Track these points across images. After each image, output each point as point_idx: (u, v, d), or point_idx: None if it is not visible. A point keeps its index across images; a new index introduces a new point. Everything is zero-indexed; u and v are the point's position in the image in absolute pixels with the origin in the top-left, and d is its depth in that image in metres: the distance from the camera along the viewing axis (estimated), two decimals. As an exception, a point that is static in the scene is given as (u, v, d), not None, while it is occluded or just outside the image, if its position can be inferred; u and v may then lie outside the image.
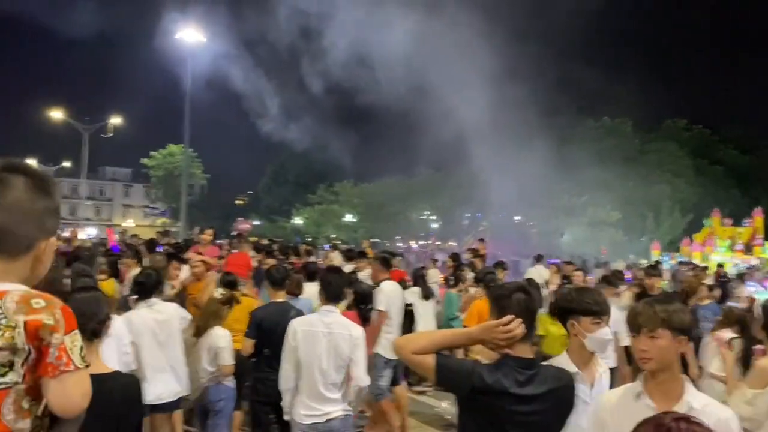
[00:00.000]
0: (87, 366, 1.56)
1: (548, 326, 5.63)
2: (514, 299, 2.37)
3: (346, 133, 49.76)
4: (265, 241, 15.46)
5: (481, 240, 15.49)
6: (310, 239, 43.09)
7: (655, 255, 26.98)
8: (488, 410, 2.27)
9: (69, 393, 1.52)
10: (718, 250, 25.18)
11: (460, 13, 26.40)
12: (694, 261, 23.49)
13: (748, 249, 24.78)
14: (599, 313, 2.82)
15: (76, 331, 1.55)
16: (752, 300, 7.92)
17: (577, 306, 2.86)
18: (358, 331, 4.19)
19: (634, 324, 2.30)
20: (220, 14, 31.49)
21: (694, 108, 44.69)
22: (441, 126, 29.44)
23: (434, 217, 51.25)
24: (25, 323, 1.47)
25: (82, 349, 1.55)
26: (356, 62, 28.49)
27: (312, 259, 11.35)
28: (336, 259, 11.48)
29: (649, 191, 36.58)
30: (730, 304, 5.67)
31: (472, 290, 7.74)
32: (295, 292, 6.07)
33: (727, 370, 4.13)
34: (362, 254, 10.27)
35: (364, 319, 5.70)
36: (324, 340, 4.05)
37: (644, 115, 42.99)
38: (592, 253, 31.15)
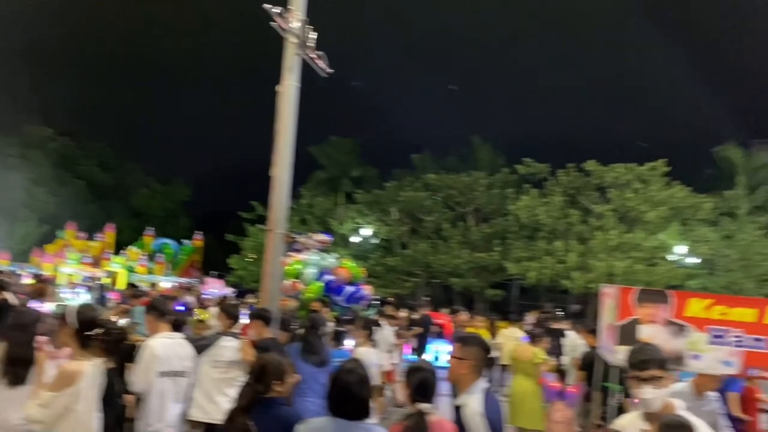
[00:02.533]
0: None
1: None
2: None
3: None
4: None
5: None
6: None
7: (4, 264, 25.77)
8: None
9: None
10: (69, 262, 25.98)
11: None
12: (43, 272, 23.61)
13: (96, 262, 26.39)
14: None
15: None
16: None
17: None
18: None
19: None
20: None
21: (65, 119, 44.03)
22: None
23: None
24: None
25: None
26: None
27: None
28: None
29: (6, 197, 34.62)
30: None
31: None
32: None
33: (39, 372, 3.94)
34: None
35: None
36: None
37: (11, 119, 40.60)
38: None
